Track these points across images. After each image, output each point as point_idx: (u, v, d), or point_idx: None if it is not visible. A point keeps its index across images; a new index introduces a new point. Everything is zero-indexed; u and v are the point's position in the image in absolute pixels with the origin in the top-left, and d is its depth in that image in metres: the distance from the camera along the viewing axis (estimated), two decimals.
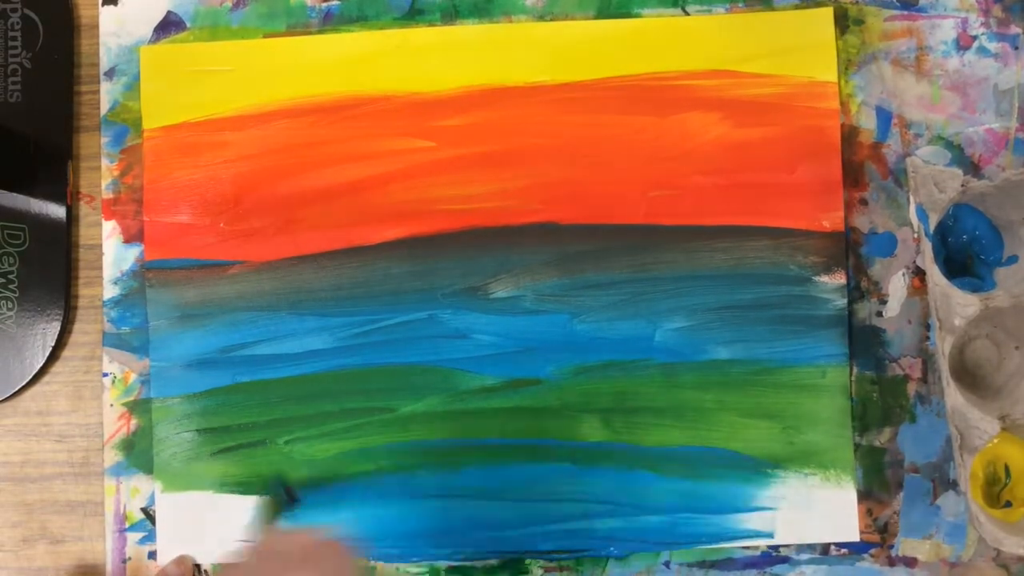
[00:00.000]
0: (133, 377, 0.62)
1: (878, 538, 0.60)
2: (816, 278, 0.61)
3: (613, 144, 0.61)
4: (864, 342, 0.61)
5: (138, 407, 0.62)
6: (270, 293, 0.62)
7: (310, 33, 0.63)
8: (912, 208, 0.59)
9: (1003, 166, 0.61)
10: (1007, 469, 0.58)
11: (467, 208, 0.62)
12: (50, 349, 0.62)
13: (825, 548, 0.60)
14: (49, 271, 0.62)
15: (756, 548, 0.60)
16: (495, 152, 0.62)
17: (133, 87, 0.63)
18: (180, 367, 0.62)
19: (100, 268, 0.63)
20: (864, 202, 0.61)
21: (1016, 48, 0.61)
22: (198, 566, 0.61)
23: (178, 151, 0.63)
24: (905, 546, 0.60)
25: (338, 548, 0.50)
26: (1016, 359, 0.60)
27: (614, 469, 0.61)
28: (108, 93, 0.63)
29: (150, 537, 0.62)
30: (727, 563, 0.61)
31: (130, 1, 0.63)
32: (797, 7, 0.62)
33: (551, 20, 0.62)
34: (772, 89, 0.61)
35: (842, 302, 0.61)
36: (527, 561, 0.61)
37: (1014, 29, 0.61)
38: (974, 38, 0.61)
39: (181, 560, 0.61)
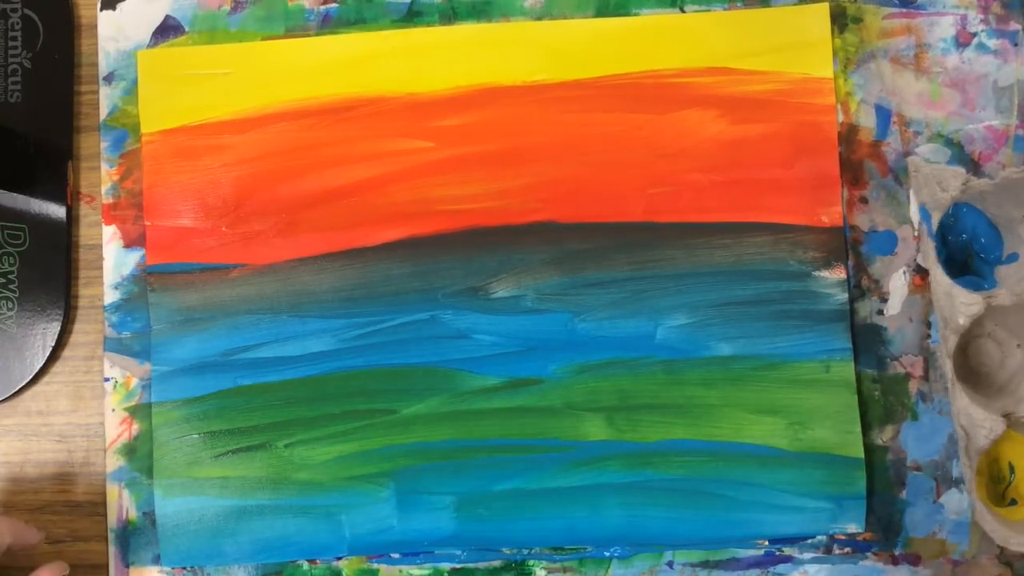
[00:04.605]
0: (135, 382, 0.62)
1: (881, 536, 0.60)
2: (816, 273, 0.60)
3: (611, 142, 0.61)
4: (865, 340, 0.60)
5: (139, 412, 0.62)
6: (271, 296, 0.62)
7: (308, 36, 0.63)
8: (914, 208, 0.59)
9: (1003, 163, 0.61)
10: (1011, 467, 0.58)
11: (467, 208, 0.62)
12: (50, 349, 0.62)
13: (828, 547, 0.60)
14: (49, 271, 0.62)
15: (759, 547, 0.60)
16: (494, 152, 0.62)
17: (132, 92, 0.63)
18: (182, 371, 0.62)
19: (100, 268, 0.63)
20: (864, 200, 0.61)
21: (1015, 44, 0.61)
22: (200, 568, 0.61)
23: (177, 155, 0.63)
24: (908, 544, 0.60)
25: None
26: (1019, 357, 0.60)
27: (618, 468, 0.60)
28: (107, 98, 0.63)
29: (152, 542, 0.61)
30: (730, 563, 0.60)
31: (128, 6, 0.63)
32: (793, 4, 0.62)
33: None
34: (769, 85, 0.61)
35: (843, 297, 0.60)
36: (530, 563, 0.61)
37: (1013, 25, 0.61)
38: (973, 35, 0.61)
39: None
